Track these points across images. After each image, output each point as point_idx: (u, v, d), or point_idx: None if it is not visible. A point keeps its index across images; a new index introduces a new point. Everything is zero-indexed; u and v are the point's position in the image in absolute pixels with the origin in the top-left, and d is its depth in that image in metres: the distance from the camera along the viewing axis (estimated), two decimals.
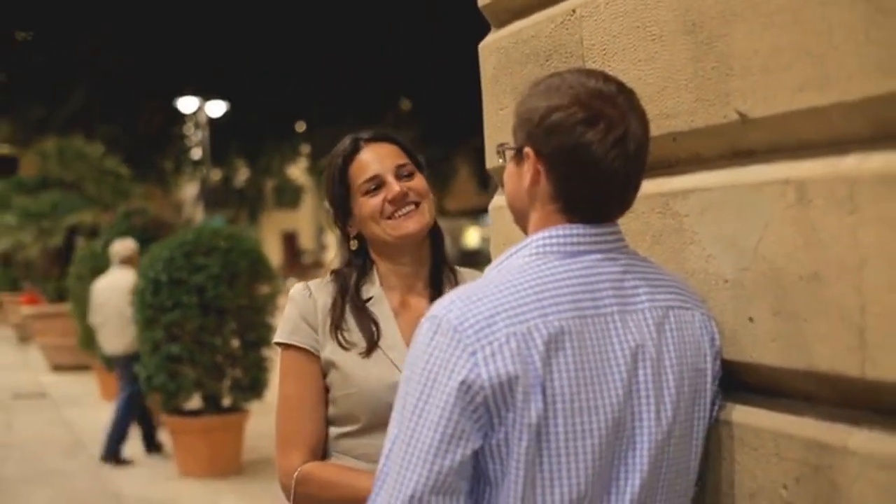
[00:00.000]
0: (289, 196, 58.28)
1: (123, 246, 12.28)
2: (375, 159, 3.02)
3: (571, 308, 2.06)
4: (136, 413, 11.48)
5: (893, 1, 1.84)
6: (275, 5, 29.55)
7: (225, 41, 31.08)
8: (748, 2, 2.19)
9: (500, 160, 2.36)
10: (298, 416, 2.96)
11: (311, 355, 2.95)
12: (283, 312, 3.06)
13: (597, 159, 2.09)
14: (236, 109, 36.15)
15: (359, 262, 3.05)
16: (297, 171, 50.25)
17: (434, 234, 3.10)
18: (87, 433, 13.24)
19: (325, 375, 2.95)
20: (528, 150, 2.18)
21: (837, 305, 2.00)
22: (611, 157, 2.09)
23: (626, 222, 2.63)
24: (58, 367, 19.97)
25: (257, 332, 10.69)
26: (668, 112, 2.48)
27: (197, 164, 40.57)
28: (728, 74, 2.27)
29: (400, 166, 3.02)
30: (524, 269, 2.12)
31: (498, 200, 3.27)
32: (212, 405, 10.69)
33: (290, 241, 64.62)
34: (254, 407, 10.88)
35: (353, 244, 3.07)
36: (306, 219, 62.16)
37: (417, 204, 2.99)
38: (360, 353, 2.90)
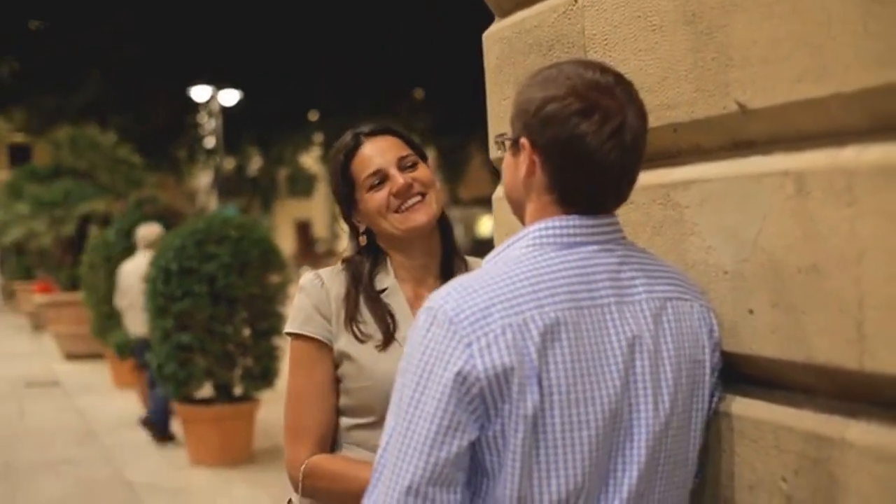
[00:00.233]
0: (302, 185, 58.41)
1: (149, 230, 12.41)
2: (377, 153, 3.00)
3: (568, 299, 2.06)
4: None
5: None
6: None
7: (238, 30, 31.12)
8: None
9: (500, 151, 2.36)
10: (308, 408, 2.94)
11: (324, 346, 2.93)
12: (293, 302, 3.03)
13: (591, 151, 2.08)
14: (249, 98, 36.21)
15: (371, 253, 3.04)
16: (311, 160, 50.36)
17: (443, 225, 3.08)
18: (99, 421, 13.29)
19: (336, 366, 2.93)
20: (523, 140, 2.17)
21: (836, 298, 1.99)
22: (606, 148, 2.08)
23: (626, 213, 2.62)
24: (71, 356, 20.02)
25: (268, 322, 10.68)
26: (668, 103, 2.47)
27: (210, 152, 40.66)
28: (728, 65, 2.26)
29: (402, 158, 3.00)
30: (520, 260, 2.12)
31: (500, 191, 3.26)
32: (223, 394, 10.70)
33: (303, 229, 64.74)
34: (265, 396, 10.89)
35: (363, 240, 3.05)
36: (319, 207, 62.26)
37: (423, 195, 2.97)
38: (376, 346, 2.88)
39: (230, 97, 36.03)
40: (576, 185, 2.14)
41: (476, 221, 51.72)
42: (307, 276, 3.03)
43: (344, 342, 2.91)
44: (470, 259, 3.11)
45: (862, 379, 1.96)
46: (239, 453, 10.55)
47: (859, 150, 1.94)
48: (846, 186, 1.94)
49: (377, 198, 2.96)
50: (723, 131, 2.34)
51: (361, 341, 2.89)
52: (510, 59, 3.15)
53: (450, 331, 2.01)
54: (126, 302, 12.33)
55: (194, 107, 37.39)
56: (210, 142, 40.22)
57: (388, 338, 2.88)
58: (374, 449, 2.83)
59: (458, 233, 2.96)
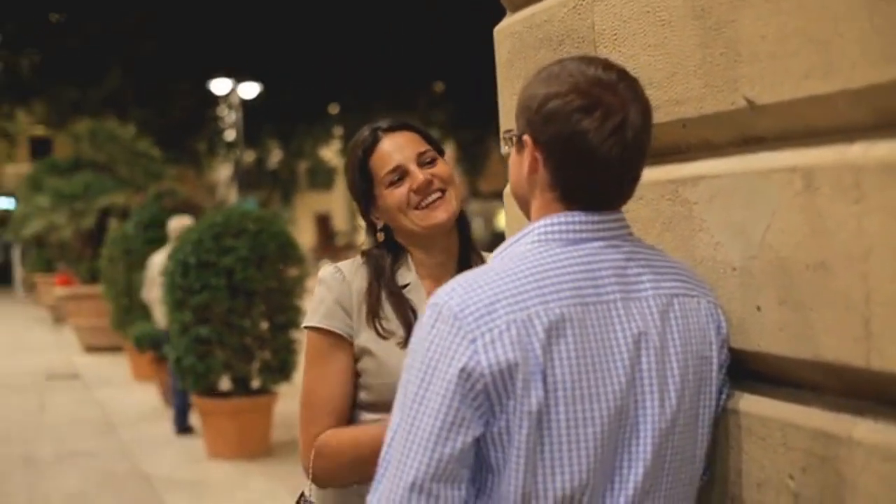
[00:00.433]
0: (322, 178, 58.44)
1: (180, 223, 12.47)
2: (396, 149, 2.98)
3: (573, 295, 2.05)
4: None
5: None
6: None
7: (258, 23, 31.17)
8: None
9: (507, 147, 2.35)
10: (325, 398, 2.91)
11: (344, 341, 2.91)
12: (314, 294, 3.00)
13: (593, 147, 2.07)
14: (269, 91, 36.27)
15: (391, 248, 3.02)
16: (330, 153, 50.39)
17: (461, 222, 3.07)
18: (118, 414, 13.34)
19: (356, 360, 2.92)
20: (526, 137, 2.17)
21: (843, 295, 1.98)
22: (607, 145, 2.07)
23: (636, 209, 2.62)
24: (91, 348, 20.12)
25: (286, 315, 10.70)
26: (677, 98, 2.46)
27: (230, 145, 40.73)
28: (736, 60, 2.24)
29: (421, 154, 2.98)
30: (526, 256, 2.11)
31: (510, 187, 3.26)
32: (241, 387, 10.72)
33: (323, 223, 64.80)
34: (282, 389, 10.91)
35: (381, 236, 3.04)
36: (339, 201, 62.28)
37: (443, 191, 2.96)
38: (398, 343, 2.86)
39: (250, 90, 36.11)
40: (577, 182, 2.14)
41: (496, 214, 51.67)
42: (327, 269, 3.01)
43: (365, 338, 2.89)
44: (487, 255, 3.09)
45: (869, 377, 1.95)
46: (257, 446, 10.58)
47: (867, 146, 1.93)
48: (854, 183, 1.93)
49: (397, 194, 2.94)
50: (731, 127, 2.33)
51: (384, 338, 2.87)
52: (521, 54, 3.14)
53: (454, 326, 2.01)
54: (154, 294, 12.38)
55: (214, 100, 37.49)
56: (230, 135, 40.33)
57: (411, 335, 2.86)
58: None
59: (478, 226, 2.94)
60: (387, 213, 2.99)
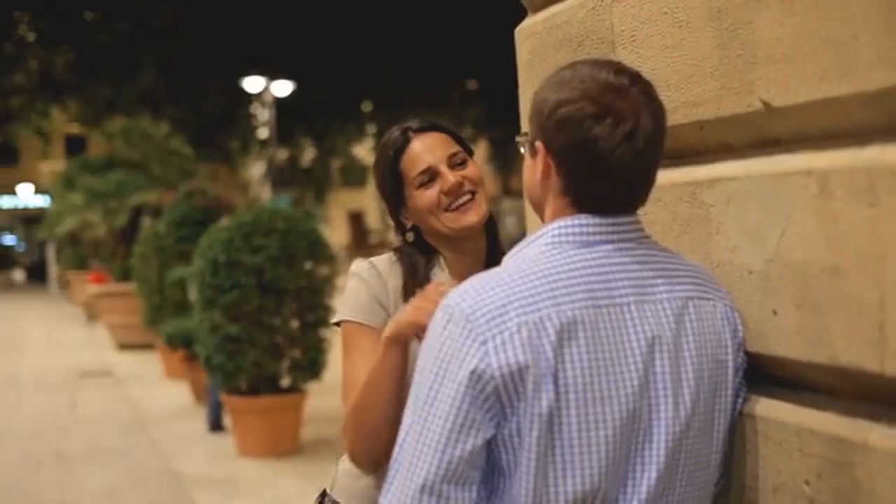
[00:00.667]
0: (355, 176, 58.53)
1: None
2: (427, 150, 2.96)
3: (585, 298, 2.05)
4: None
5: None
6: None
7: (291, 21, 31.25)
8: None
9: (522, 150, 2.34)
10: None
11: (379, 335, 2.83)
12: (347, 286, 2.98)
13: (604, 154, 2.06)
14: (302, 89, 36.36)
15: (422, 248, 3.01)
16: (364, 151, 50.45)
17: (489, 224, 3.05)
18: (149, 412, 13.40)
19: None
20: (538, 143, 2.16)
21: (857, 299, 1.97)
22: (619, 151, 2.06)
23: (655, 211, 2.61)
24: (124, 346, 20.21)
25: (316, 313, 10.71)
26: (694, 100, 2.44)
27: (263, 143, 40.85)
28: (752, 62, 2.23)
29: (452, 155, 2.96)
30: (538, 258, 2.11)
31: None
32: (271, 386, 10.74)
33: (356, 220, 64.91)
34: (312, 388, 10.92)
35: (410, 236, 3.02)
36: (372, 199, 62.28)
37: (473, 193, 2.94)
38: None
39: (283, 88, 36.21)
40: (590, 188, 2.13)
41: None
42: (361, 264, 2.99)
43: None
44: None
45: (883, 382, 1.94)
46: (286, 445, 10.59)
47: (881, 149, 1.91)
48: (868, 186, 1.92)
49: (427, 196, 2.92)
50: (748, 129, 2.31)
51: (419, 337, 2.86)
52: (541, 55, 3.13)
53: (466, 328, 2.01)
54: None
55: (247, 98, 37.60)
56: (263, 133, 40.45)
57: None
58: None
59: (511, 224, 2.92)
60: (416, 215, 2.98)
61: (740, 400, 2.31)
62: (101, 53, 32.25)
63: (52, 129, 42.86)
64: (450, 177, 2.91)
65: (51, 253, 40.89)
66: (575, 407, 2.00)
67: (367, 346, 2.84)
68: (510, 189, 43.62)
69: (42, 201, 51.22)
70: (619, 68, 2.15)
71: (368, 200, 63.63)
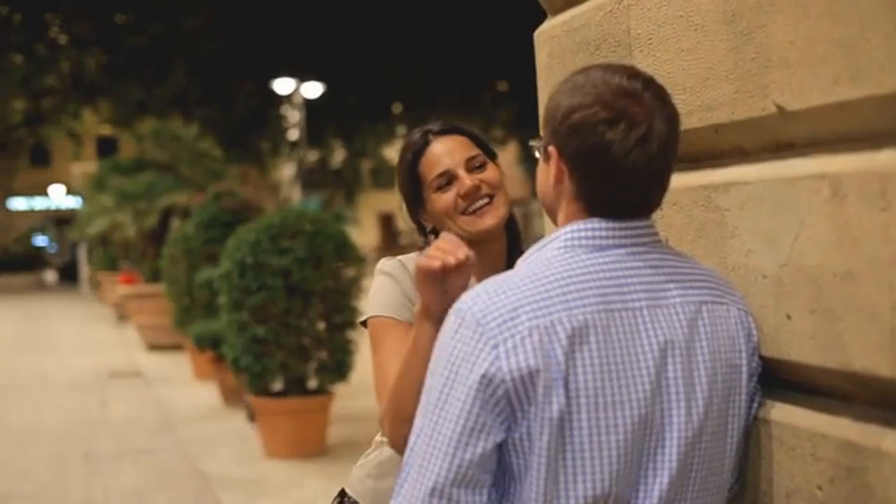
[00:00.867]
0: (385, 177, 58.42)
1: None
2: (445, 153, 2.96)
3: (597, 302, 2.04)
4: None
5: None
6: None
7: (321, 22, 31.30)
8: None
9: (537, 155, 2.33)
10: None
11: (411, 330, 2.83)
12: (376, 283, 2.98)
13: (617, 159, 2.06)
14: (332, 90, 36.41)
15: None
16: (394, 153, 50.32)
17: (509, 225, 3.05)
18: (177, 412, 13.44)
19: None
20: (552, 148, 2.16)
21: (870, 304, 1.96)
22: (632, 156, 2.06)
23: (671, 215, 2.60)
24: (153, 347, 20.27)
25: (343, 315, 10.71)
26: (709, 104, 2.43)
27: (294, 145, 40.92)
28: (766, 66, 2.22)
29: (471, 159, 2.96)
30: (551, 262, 2.11)
31: None
32: (297, 387, 10.76)
33: (387, 222, 64.93)
34: (339, 389, 10.93)
35: (431, 238, 3.01)
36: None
37: (491, 197, 2.94)
38: None
39: (313, 90, 36.28)
40: (603, 193, 2.13)
41: None
42: (390, 261, 3.00)
43: None
44: None
45: None
46: (313, 446, 10.60)
47: (894, 153, 1.90)
48: (880, 191, 1.91)
49: (444, 199, 2.93)
50: (762, 133, 2.30)
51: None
52: (560, 58, 3.13)
53: (477, 332, 2.01)
54: None
55: (278, 99, 37.68)
56: (293, 134, 40.52)
57: None
58: None
59: (540, 225, 2.92)
60: (434, 217, 2.99)
61: (755, 405, 2.30)
62: (133, 55, 32.41)
63: (84, 131, 43.13)
64: (466, 181, 2.91)
65: (82, 254, 41.08)
66: (586, 411, 2.00)
67: (399, 340, 2.83)
68: None
69: (74, 202, 51.48)
70: (633, 73, 2.15)
71: (399, 202, 63.54)
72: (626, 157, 2.06)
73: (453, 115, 29.97)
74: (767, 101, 2.23)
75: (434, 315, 2.47)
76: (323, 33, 31.74)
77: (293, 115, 39.29)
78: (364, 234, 56.26)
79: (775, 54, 2.18)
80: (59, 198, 63.08)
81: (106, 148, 53.78)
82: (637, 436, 2.05)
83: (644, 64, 2.63)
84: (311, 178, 43.64)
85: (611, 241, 2.12)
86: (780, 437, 2.24)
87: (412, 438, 2.07)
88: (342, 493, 3.17)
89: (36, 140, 45.25)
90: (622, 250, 2.12)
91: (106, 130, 47.16)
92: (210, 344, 13.24)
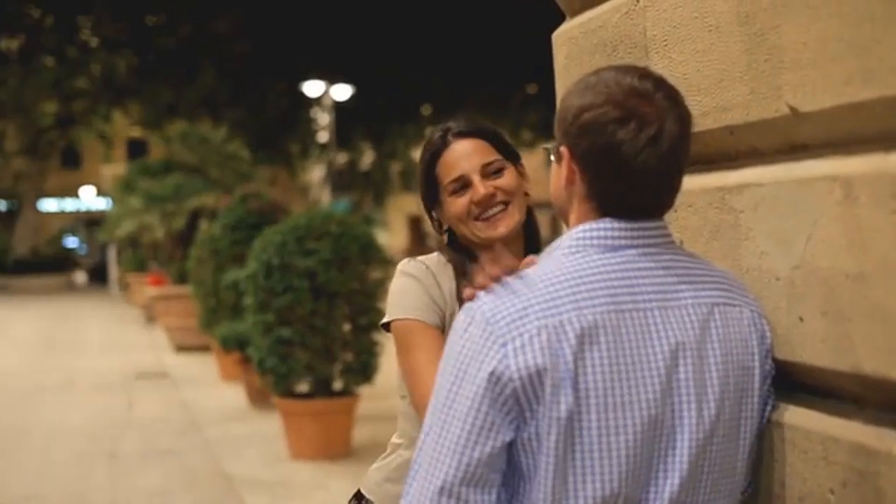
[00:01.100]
0: (415, 179, 58.53)
1: None
2: (462, 157, 2.96)
3: (608, 302, 2.04)
4: None
5: None
6: None
7: (350, 25, 31.33)
8: None
9: (551, 158, 2.32)
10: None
11: (438, 332, 2.87)
12: (398, 284, 2.97)
13: (627, 159, 2.05)
14: (362, 93, 36.44)
15: (466, 250, 3.00)
16: None
17: (528, 227, 3.05)
18: (202, 413, 13.48)
19: None
20: (563, 149, 2.16)
21: (881, 306, 1.94)
22: (642, 156, 2.05)
23: (685, 217, 2.60)
24: (181, 348, 20.35)
25: (368, 317, 10.73)
26: (724, 105, 2.43)
27: (323, 147, 40.98)
28: (780, 67, 2.21)
29: (487, 164, 2.95)
30: (562, 262, 2.10)
31: None
32: (323, 389, 10.77)
33: (415, 224, 64.94)
34: (364, 391, 10.95)
35: (445, 238, 3.04)
36: None
37: (506, 204, 2.93)
38: None
39: (343, 92, 36.32)
40: (614, 193, 2.12)
41: None
42: (412, 263, 2.99)
43: None
44: None
45: None
46: (338, 448, 10.62)
47: None
48: (892, 192, 1.90)
49: (459, 203, 2.93)
50: (776, 135, 2.29)
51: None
52: (577, 60, 3.13)
53: (486, 331, 2.02)
54: None
55: (307, 102, 37.74)
56: (323, 136, 40.56)
57: None
58: None
59: (540, 235, 2.89)
60: (448, 220, 3.00)
61: (768, 407, 2.29)
62: (163, 57, 32.53)
63: (114, 133, 43.36)
64: (480, 188, 2.91)
65: (111, 255, 41.29)
66: (595, 412, 1.99)
67: (431, 343, 2.83)
68: None
69: (104, 204, 51.74)
70: (644, 73, 2.14)
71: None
72: (636, 157, 2.05)
73: (482, 117, 29.93)
74: (781, 103, 2.22)
75: None
76: (352, 35, 31.76)
77: (322, 118, 39.33)
78: (393, 237, 56.27)
79: (788, 55, 2.17)
80: (89, 199, 63.37)
81: (136, 150, 54.02)
82: (647, 437, 2.04)
83: (660, 65, 2.62)
84: (340, 181, 43.68)
85: (622, 242, 2.12)
86: (792, 440, 2.23)
87: (421, 437, 2.07)
88: (359, 495, 3.17)
89: (67, 142, 45.46)
90: (634, 251, 2.12)
91: (136, 133, 47.37)
92: (236, 345, 13.29)
